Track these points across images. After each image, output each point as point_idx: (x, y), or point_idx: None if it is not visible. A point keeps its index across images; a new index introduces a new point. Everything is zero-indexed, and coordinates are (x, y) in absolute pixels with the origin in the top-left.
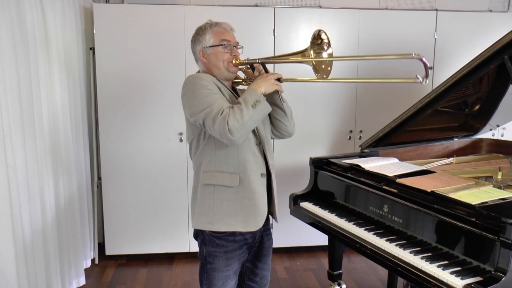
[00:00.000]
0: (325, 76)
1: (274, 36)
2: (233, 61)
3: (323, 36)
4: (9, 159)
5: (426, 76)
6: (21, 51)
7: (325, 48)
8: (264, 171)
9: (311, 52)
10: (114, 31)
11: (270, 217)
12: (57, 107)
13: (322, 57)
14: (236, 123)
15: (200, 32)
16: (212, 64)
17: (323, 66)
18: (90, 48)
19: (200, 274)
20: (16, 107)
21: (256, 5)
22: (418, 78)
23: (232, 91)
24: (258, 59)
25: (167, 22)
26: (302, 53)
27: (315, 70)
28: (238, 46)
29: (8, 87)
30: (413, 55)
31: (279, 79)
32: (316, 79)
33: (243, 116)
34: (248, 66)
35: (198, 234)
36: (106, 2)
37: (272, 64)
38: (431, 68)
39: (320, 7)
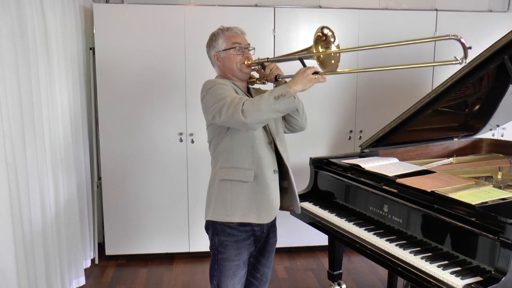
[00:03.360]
0: (334, 69)
1: (274, 36)
2: (245, 62)
3: (325, 31)
4: (9, 159)
5: (465, 56)
6: (21, 51)
7: (332, 40)
8: (276, 168)
9: (319, 47)
10: (114, 31)
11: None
12: (57, 107)
13: (330, 50)
14: (251, 107)
15: (213, 38)
16: (226, 67)
17: (332, 61)
18: (90, 48)
19: (211, 267)
20: (16, 107)
21: (256, 5)
22: (457, 59)
23: (248, 95)
24: (267, 58)
25: (167, 22)
26: (308, 50)
27: (322, 65)
28: (250, 48)
29: (8, 87)
30: (451, 35)
31: (316, 72)
32: (358, 70)
33: (260, 103)
34: (260, 66)
35: (209, 226)
36: (106, 2)
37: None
38: (470, 48)
39: (320, 7)
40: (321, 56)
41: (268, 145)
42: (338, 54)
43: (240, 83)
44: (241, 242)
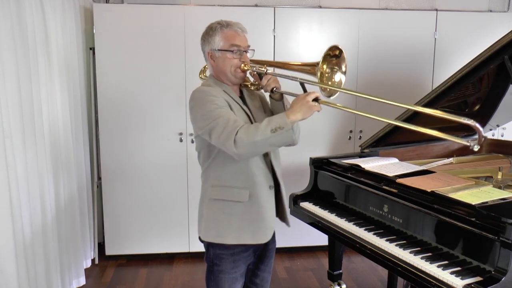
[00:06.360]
0: (328, 90)
1: (274, 36)
2: (241, 67)
3: (339, 51)
4: (9, 159)
5: (479, 143)
6: (21, 52)
7: (343, 68)
8: (272, 183)
9: (324, 66)
10: (114, 31)
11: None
12: (57, 107)
13: (334, 77)
14: (245, 138)
15: (210, 32)
16: (220, 68)
17: (330, 83)
18: (90, 48)
19: (207, 277)
20: (16, 107)
21: (256, 5)
22: (469, 143)
23: (240, 99)
24: (266, 70)
25: (167, 22)
26: (313, 66)
27: (322, 89)
28: (249, 50)
29: (8, 88)
30: (464, 120)
31: (317, 99)
32: (355, 110)
33: (255, 135)
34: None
35: None
36: (106, 2)
37: (273, 69)
38: (485, 138)
39: (320, 7)
40: (325, 76)
41: (263, 158)
42: (340, 80)
43: (232, 87)
44: (237, 255)
